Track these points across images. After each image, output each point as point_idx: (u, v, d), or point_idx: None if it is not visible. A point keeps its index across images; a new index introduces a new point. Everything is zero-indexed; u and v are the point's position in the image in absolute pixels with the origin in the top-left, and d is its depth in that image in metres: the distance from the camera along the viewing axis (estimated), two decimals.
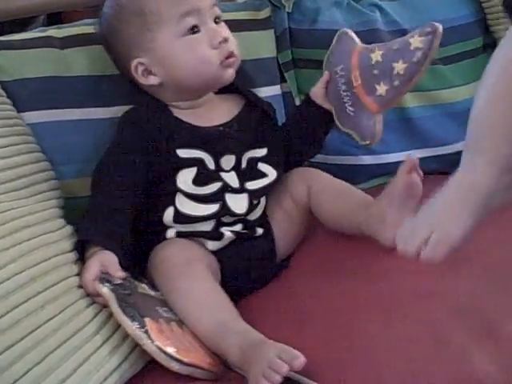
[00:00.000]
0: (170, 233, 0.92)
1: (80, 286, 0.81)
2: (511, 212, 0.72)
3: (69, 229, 0.87)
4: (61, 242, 0.83)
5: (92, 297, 0.80)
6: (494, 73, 0.66)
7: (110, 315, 0.79)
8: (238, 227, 0.95)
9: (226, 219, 0.94)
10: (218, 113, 0.97)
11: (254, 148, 0.96)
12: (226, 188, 0.92)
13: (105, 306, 0.80)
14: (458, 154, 1.15)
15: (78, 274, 0.82)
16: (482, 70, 0.74)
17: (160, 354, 0.74)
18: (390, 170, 1.22)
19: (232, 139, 0.94)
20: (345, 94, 0.98)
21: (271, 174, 0.97)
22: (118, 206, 0.87)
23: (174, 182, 0.91)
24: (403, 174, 0.90)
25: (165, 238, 0.92)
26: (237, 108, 0.98)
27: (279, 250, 0.98)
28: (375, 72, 0.94)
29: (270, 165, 0.98)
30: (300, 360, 0.71)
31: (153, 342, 0.74)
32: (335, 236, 0.99)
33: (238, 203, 0.93)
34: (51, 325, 0.73)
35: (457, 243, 0.64)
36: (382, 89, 0.93)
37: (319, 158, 1.21)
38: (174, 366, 0.74)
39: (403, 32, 1.22)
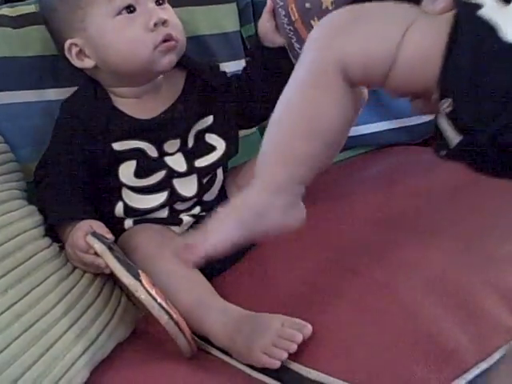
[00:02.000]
0: (128, 223, 0.90)
1: (52, 259, 0.79)
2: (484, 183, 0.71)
3: (30, 208, 0.84)
4: (23, 220, 0.80)
5: (80, 255, 0.79)
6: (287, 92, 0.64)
7: (80, 294, 0.78)
8: (196, 210, 0.92)
9: (179, 206, 0.91)
10: (161, 99, 0.91)
11: (201, 118, 0.92)
12: (172, 174, 0.89)
13: (82, 275, 0.80)
14: (427, 124, 1.16)
15: (48, 247, 0.80)
16: None
17: (153, 302, 0.74)
18: (362, 142, 1.23)
19: (176, 122, 0.89)
20: (288, 28, 0.87)
21: (220, 145, 0.93)
22: (76, 198, 0.85)
23: (117, 176, 0.88)
24: None
25: (124, 229, 0.90)
26: (180, 83, 0.92)
27: None
28: (307, 5, 0.85)
29: (218, 135, 0.93)
30: (308, 327, 0.70)
31: (147, 290, 0.74)
32: (307, 208, 0.97)
33: (186, 186, 0.90)
34: (15, 310, 0.70)
35: (211, 249, 0.65)
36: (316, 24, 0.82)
37: None
38: (164, 318, 0.74)
39: None
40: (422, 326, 0.69)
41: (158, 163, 0.88)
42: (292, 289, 0.83)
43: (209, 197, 0.94)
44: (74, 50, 0.87)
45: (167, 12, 0.87)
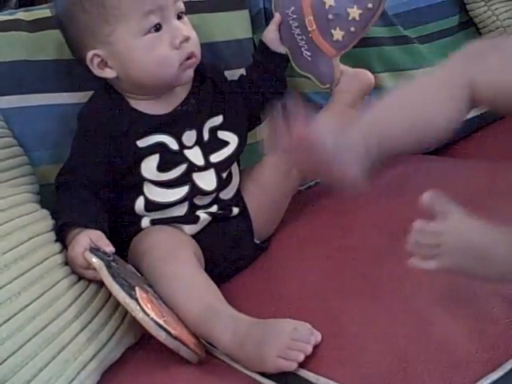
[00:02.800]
0: (145, 222, 0.91)
1: (63, 264, 0.80)
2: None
3: (43, 212, 0.85)
4: (36, 224, 0.81)
5: (81, 271, 0.79)
6: None
7: (91, 298, 0.78)
8: (214, 208, 0.93)
9: (198, 201, 0.92)
10: (174, 96, 0.93)
11: (212, 117, 0.95)
12: (192, 168, 0.91)
13: (91, 280, 0.79)
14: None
15: (60, 252, 0.81)
16: (459, 48, 0.74)
17: (149, 322, 0.73)
18: None
19: (191, 114, 0.93)
20: (299, 37, 0.97)
21: (232, 140, 0.96)
22: (89, 203, 0.86)
23: (139, 172, 0.89)
24: None
25: (140, 228, 0.91)
26: (189, 82, 0.95)
27: (257, 228, 0.98)
28: (330, 17, 0.95)
29: (230, 131, 0.96)
30: (318, 334, 0.71)
31: (143, 310, 0.74)
32: (315, 215, 0.98)
33: (206, 180, 0.92)
34: (28, 312, 0.71)
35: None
36: (338, 34, 0.95)
37: None
38: (162, 336, 0.74)
39: None
40: (432, 334, 0.69)
41: (179, 156, 0.90)
42: (300, 295, 0.83)
43: (226, 195, 0.95)
44: (96, 60, 0.88)
45: (188, 27, 0.90)
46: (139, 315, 0.73)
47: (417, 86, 0.77)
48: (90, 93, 0.95)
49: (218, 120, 0.95)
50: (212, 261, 0.91)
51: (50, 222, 0.84)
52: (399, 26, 1.26)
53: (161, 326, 0.74)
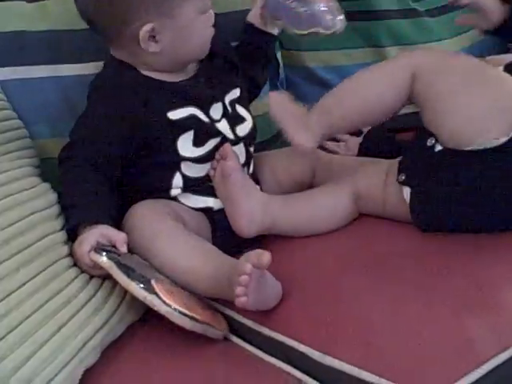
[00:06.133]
0: (175, 191, 0.89)
1: (63, 242, 0.78)
2: None
3: (44, 186, 0.83)
4: (36, 200, 0.79)
5: (87, 269, 0.77)
6: None
7: (91, 276, 0.77)
8: None
9: None
10: (186, 70, 0.92)
11: (231, 89, 0.94)
12: (225, 141, 0.89)
13: (104, 277, 0.78)
14: None
15: (61, 230, 0.79)
16: None
17: (173, 313, 0.72)
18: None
19: (210, 88, 0.91)
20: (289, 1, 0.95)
21: (248, 118, 0.95)
22: (96, 187, 0.82)
23: (175, 150, 0.87)
24: None
25: (169, 197, 0.89)
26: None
27: None
28: None
29: (244, 107, 0.95)
30: (266, 255, 0.71)
31: (164, 302, 0.72)
32: None
33: (238, 154, 0.90)
34: (26, 289, 0.69)
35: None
36: None
37: None
38: (188, 324, 0.73)
39: None
40: (439, 318, 0.68)
41: (212, 129, 0.89)
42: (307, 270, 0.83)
43: (247, 172, 0.94)
44: (149, 33, 0.84)
45: None
46: (162, 309, 0.72)
47: (369, 71, 0.88)
48: (91, 64, 0.93)
49: (236, 93, 0.94)
50: (223, 235, 0.89)
51: (51, 197, 0.82)
52: None
53: (185, 315, 0.72)
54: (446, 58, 0.86)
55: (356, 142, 1.11)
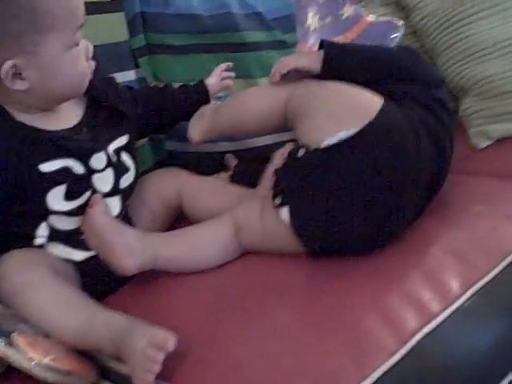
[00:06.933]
0: (39, 240, 0.86)
1: None
2: None
3: None
4: None
5: None
6: None
7: None
8: None
9: None
10: (63, 114, 0.88)
11: (117, 137, 0.91)
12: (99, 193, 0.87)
13: None
14: None
15: None
16: None
17: (35, 368, 0.70)
18: (250, 154, 1.24)
19: (92, 138, 0.88)
20: None
21: (131, 167, 0.93)
22: None
23: (44, 203, 0.83)
24: (279, 157, 0.94)
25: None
26: (81, 108, 0.90)
27: None
28: None
29: (130, 155, 0.93)
30: (172, 341, 0.69)
31: (25, 357, 0.70)
32: None
33: (110, 207, 0.88)
34: None
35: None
36: None
37: (177, 145, 1.19)
38: (51, 378, 0.70)
39: (258, 15, 1.23)
40: (303, 346, 0.70)
41: (87, 182, 0.86)
42: (183, 308, 0.82)
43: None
44: (12, 70, 0.80)
45: None
46: (23, 364, 0.69)
47: (257, 88, 1.05)
48: None
49: (122, 140, 0.92)
50: (93, 281, 0.87)
51: None
52: (277, 30, 1.27)
53: (48, 367, 0.70)
54: (313, 83, 0.91)
55: (225, 176, 1.12)
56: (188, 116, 1.03)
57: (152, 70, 1.17)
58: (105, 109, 0.91)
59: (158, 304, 0.85)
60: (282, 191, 0.84)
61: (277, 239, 0.86)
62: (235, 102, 1.00)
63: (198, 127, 1.00)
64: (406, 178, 0.80)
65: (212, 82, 1.06)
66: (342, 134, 0.79)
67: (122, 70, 1.09)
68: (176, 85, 1.07)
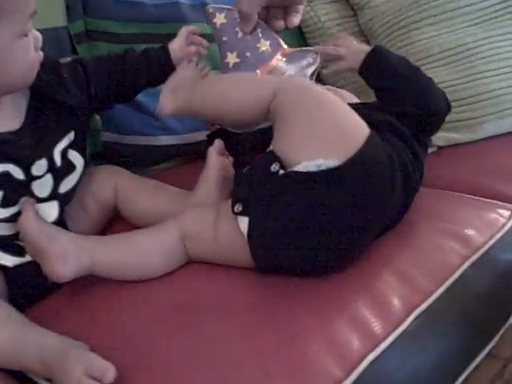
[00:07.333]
0: None
1: None
2: None
3: None
4: None
5: None
6: None
7: None
8: None
9: None
10: (5, 114, 0.81)
11: (63, 136, 0.85)
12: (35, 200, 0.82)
13: None
14: None
15: None
16: None
17: None
18: (188, 149, 1.21)
19: (36, 142, 0.82)
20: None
21: (79, 164, 0.87)
22: None
23: None
24: (214, 159, 0.89)
25: None
26: (23, 104, 0.84)
27: None
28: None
29: (78, 151, 0.87)
30: (111, 373, 0.66)
31: None
32: None
33: (47, 212, 0.83)
34: None
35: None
36: None
37: (113, 137, 1.14)
38: None
39: (205, 4, 1.18)
40: (241, 369, 0.68)
41: (25, 188, 0.80)
42: (117, 321, 0.78)
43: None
44: None
45: None
46: None
47: (239, 78, 0.92)
48: None
49: (70, 138, 0.86)
50: (21, 287, 0.83)
51: None
52: None
53: None
54: (307, 84, 0.85)
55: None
56: (150, 84, 0.95)
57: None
58: (49, 102, 0.85)
59: (91, 315, 0.80)
60: (246, 200, 0.79)
61: (229, 249, 0.81)
62: (220, 87, 0.89)
63: (172, 102, 0.91)
64: (374, 217, 0.78)
65: (175, 46, 0.95)
66: (321, 162, 0.74)
67: (60, 56, 1.01)
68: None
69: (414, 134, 0.90)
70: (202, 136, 1.20)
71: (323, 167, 0.74)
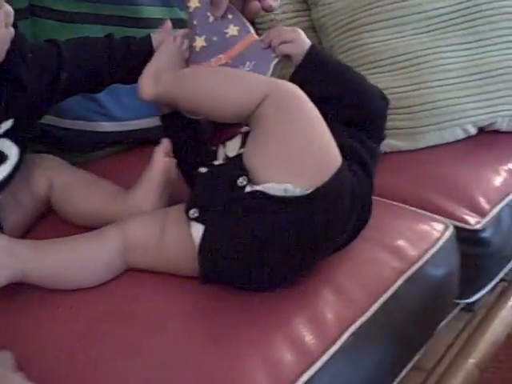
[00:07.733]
0: None
1: None
2: None
3: None
4: None
5: None
6: None
7: None
8: None
9: None
10: None
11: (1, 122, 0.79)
12: None
13: None
14: None
15: None
16: None
17: None
18: (131, 136, 1.18)
19: None
20: None
21: (13, 154, 0.82)
22: None
23: None
24: (160, 160, 0.86)
25: None
26: None
27: None
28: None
29: (14, 140, 0.82)
30: None
31: None
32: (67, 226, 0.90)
33: None
34: None
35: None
36: None
37: (53, 120, 1.10)
38: None
39: None
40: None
41: None
42: (44, 335, 0.75)
43: None
44: None
45: None
46: None
47: (237, 72, 0.88)
48: None
49: (6, 125, 0.80)
50: None
51: None
52: (178, 7, 1.20)
53: None
54: (298, 96, 0.78)
55: None
56: (129, 76, 0.90)
57: (33, 36, 1.05)
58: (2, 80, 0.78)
59: (15, 327, 0.76)
60: (204, 207, 0.76)
61: (175, 256, 0.78)
62: (208, 82, 0.82)
63: (154, 89, 0.84)
64: (329, 245, 0.79)
65: (160, 38, 0.91)
66: (289, 188, 0.72)
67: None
68: None
69: (362, 142, 0.89)
70: (146, 124, 1.18)
71: (289, 193, 0.72)
